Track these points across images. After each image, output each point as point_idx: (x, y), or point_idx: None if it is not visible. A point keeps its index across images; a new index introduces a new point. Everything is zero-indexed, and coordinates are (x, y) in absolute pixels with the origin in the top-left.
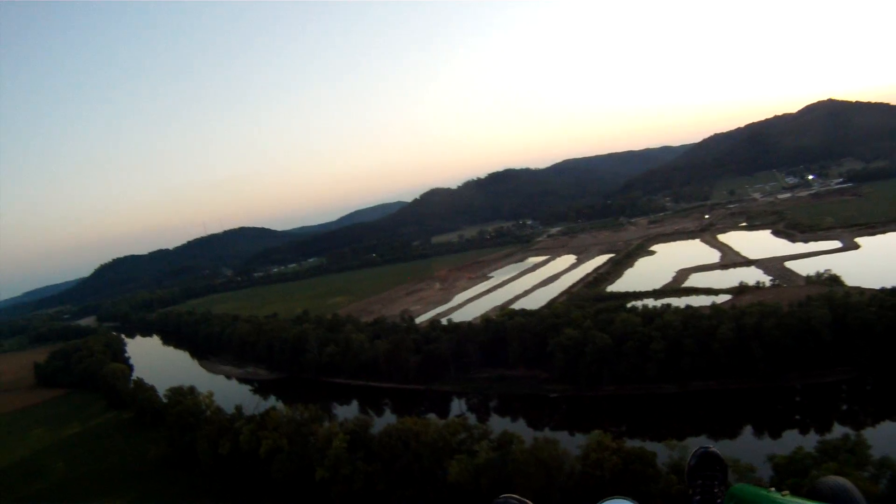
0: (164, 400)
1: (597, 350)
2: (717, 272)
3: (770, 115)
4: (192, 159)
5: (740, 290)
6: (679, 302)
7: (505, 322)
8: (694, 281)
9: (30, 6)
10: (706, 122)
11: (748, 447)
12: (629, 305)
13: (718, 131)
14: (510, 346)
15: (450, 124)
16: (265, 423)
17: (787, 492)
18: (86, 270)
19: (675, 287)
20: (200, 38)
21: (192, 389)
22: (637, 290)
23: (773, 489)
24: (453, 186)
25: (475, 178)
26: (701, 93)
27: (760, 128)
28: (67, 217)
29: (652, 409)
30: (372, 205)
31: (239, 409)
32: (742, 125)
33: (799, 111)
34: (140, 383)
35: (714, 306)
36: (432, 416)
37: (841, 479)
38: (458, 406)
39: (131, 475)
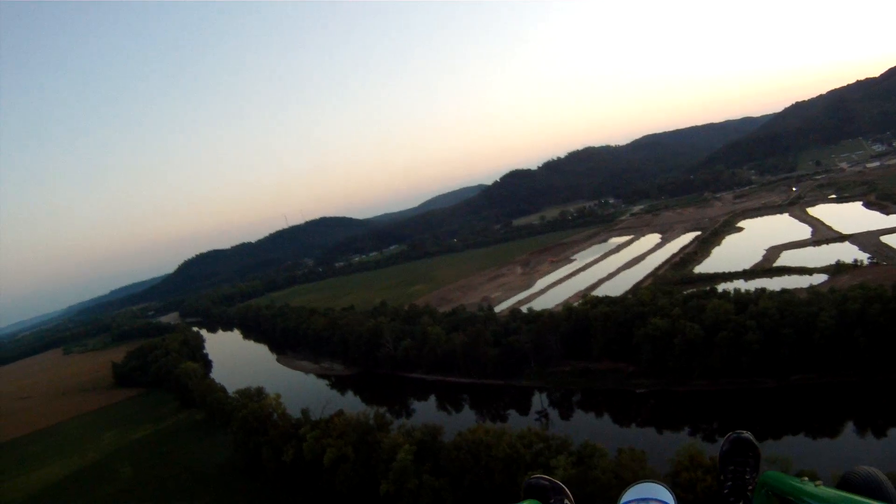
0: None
1: (687, 342)
2: (810, 249)
3: (852, 81)
4: (274, 153)
5: (837, 269)
6: (772, 283)
7: (588, 311)
8: (786, 259)
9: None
10: (786, 91)
11: (850, 446)
12: (720, 290)
13: (799, 99)
14: (593, 337)
15: (526, 106)
16: (329, 429)
17: (819, 482)
18: (171, 267)
19: (767, 267)
20: (275, 37)
21: (259, 391)
22: (726, 270)
23: (805, 478)
24: (533, 167)
25: (555, 158)
26: (779, 60)
27: (843, 94)
28: (154, 215)
29: (747, 406)
30: (453, 189)
31: (305, 412)
32: (824, 92)
33: (882, 74)
34: (211, 383)
35: (812, 290)
36: (511, 413)
37: (873, 470)
38: (538, 402)
39: (196, 481)
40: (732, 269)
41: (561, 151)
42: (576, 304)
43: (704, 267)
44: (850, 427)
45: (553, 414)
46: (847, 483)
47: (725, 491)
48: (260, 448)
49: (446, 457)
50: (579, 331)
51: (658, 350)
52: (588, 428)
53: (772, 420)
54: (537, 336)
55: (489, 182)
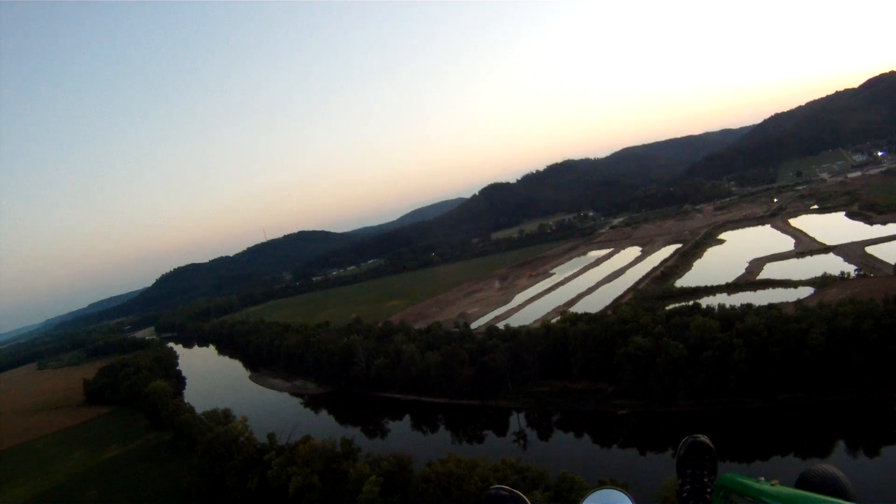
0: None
1: (670, 361)
2: (793, 261)
3: (831, 92)
4: (250, 166)
5: (824, 281)
6: (756, 297)
7: (566, 329)
8: (770, 272)
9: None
10: (765, 103)
11: (842, 465)
12: (703, 304)
13: (779, 111)
14: (573, 356)
15: (507, 118)
16: (294, 456)
17: (776, 481)
18: (149, 281)
19: (751, 280)
20: (253, 51)
21: (226, 413)
22: (709, 284)
23: (762, 479)
24: (512, 181)
25: (534, 171)
26: (758, 72)
27: (822, 105)
28: (132, 228)
29: (733, 427)
30: (432, 202)
31: (272, 437)
32: (803, 103)
33: (861, 86)
34: (179, 403)
35: (801, 305)
36: (488, 434)
37: (830, 468)
38: (516, 422)
39: None
40: (715, 283)
41: (540, 164)
42: (554, 320)
43: (686, 280)
44: (841, 447)
45: (531, 435)
46: (805, 482)
47: (684, 495)
48: (225, 474)
49: (415, 490)
50: (558, 349)
51: (640, 370)
52: (568, 450)
53: (759, 441)
54: (514, 355)
55: (468, 195)
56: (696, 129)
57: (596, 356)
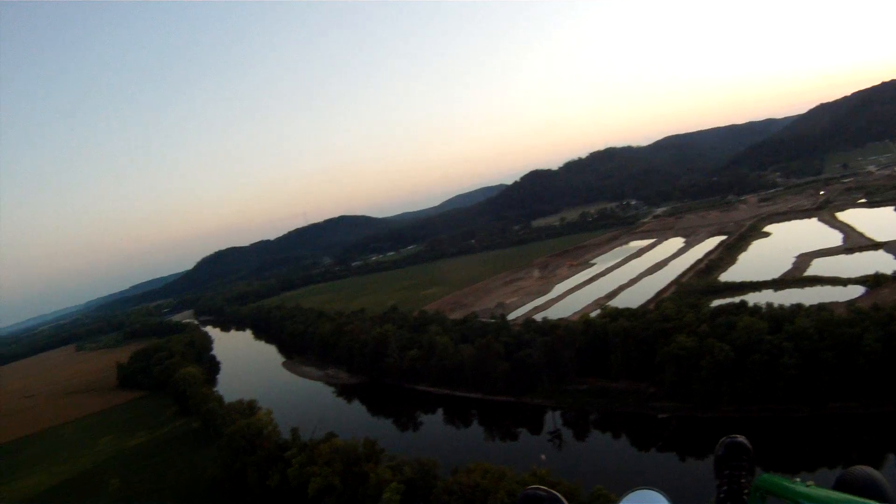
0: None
1: (715, 363)
2: (842, 257)
3: (877, 82)
4: (294, 151)
5: (877, 280)
6: (803, 294)
7: (606, 325)
8: (817, 268)
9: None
10: (810, 92)
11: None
12: (748, 300)
13: (824, 101)
14: (612, 353)
15: (548, 104)
16: (315, 456)
17: (811, 482)
18: (190, 264)
19: (798, 276)
20: (295, 33)
21: (252, 405)
22: (754, 279)
23: (797, 479)
24: (554, 167)
25: (576, 158)
26: (802, 60)
27: (869, 95)
28: (175, 212)
29: (780, 435)
30: (473, 188)
31: (295, 432)
32: (848, 94)
33: None
34: (207, 391)
35: (853, 307)
36: (522, 432)
37: (869, 469)
38: (551, 421)
39: (182, 498)
40: (761, 278)
41: (582, 151)
42: (594, 314)
43: (731, 274)
44: (892, 460)
45: (567, 434)
46: (843, 483)
47: (721, 496)
48: (246, 469)
49: (436, 502)
50: (597, 346)
51: (683, 371)
52: (604, 454)
53: (806, 451)
54: (551, 350)
55: (510, 181)
56: (740, 117)
57: (636, 355)
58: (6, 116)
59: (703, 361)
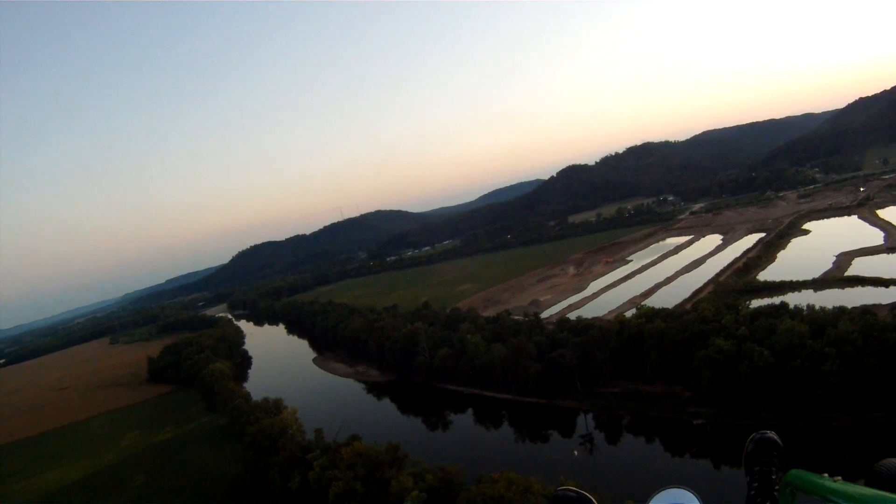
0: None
1: (754, 369)
2: (884, 256)
3: None
4: (332, 145)
5: None
6: (845, 294)
7: (642, 326)
8: (859, 267)
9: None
10: (849, 86)
11: None
12: (788, 301)
13: (863, 95)
14: (647, 356)
15: (585, 99)
16: (337, 459)
17: (839, 477)
18: (226, 258)
19: (839, 276)
20: (331, 27)
21: (277, 403)
22: (794, 278)
23: (826, 475)
24: (591, 162)
25: (613, 153)
26: (840, 54)
27: None
28: (212, 206)
29: (818, 445)
30: (509, 183)
31: (319, 433)
32: (888, 87)
33: None
34: (233, 388)
35: None
36: (553, 434)
37: None
38: (583, 424)
39: (205, 496)
40: (801, 278)
41: (619, 146)
42: (629, 313)
43: (770, 273)
44: None
45: (598, 438)
46: (875, 475)
47: (752, 492)
48: (268, 469)
49: None
50: (631, 348)
51: (720, 376)
52: (636, 461)
53: (846, 461)
54: (584, 352)
55: (546, 176)
56: (778, 112)
57: (672, 358)
58: (63, 112)
59: (741, 366)
